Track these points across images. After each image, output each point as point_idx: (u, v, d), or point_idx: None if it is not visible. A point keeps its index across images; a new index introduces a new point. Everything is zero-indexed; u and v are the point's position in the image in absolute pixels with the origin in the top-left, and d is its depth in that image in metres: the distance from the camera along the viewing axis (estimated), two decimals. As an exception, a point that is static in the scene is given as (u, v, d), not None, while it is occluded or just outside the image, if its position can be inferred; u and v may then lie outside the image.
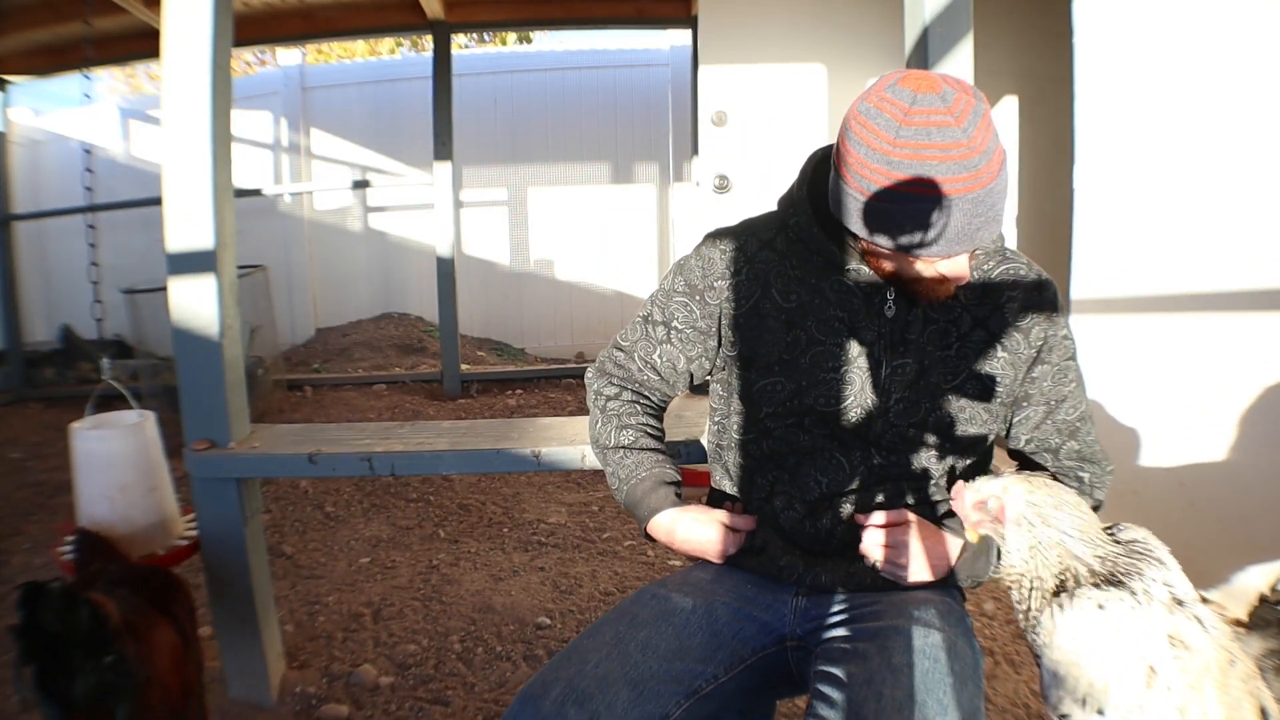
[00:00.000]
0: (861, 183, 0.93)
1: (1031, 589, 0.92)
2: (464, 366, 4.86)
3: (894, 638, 0.95)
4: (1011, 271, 1.07)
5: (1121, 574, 0.89)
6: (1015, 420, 1.11)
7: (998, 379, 1.06)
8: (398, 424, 1.80)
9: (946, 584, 1.09)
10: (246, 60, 8.20)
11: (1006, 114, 3.96)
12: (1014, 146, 3.98)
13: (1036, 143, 3.91)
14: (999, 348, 1.06)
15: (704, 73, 3.29)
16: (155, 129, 5.60)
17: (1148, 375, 2.21)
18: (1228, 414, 1.95)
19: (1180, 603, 0.88)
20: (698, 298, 1.14)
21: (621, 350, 1.23)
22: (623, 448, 1.18)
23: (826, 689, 0.90)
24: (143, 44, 4.27)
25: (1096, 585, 0.89)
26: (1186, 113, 2.09)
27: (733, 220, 1.19)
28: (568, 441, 1.60)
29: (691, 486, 3.08)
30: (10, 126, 4.94)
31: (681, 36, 5.24)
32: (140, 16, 3.84)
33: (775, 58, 3.30)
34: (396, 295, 5.86)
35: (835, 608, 1.06)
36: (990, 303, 1.06)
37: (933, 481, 1.10)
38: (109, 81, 9.50)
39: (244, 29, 4.32)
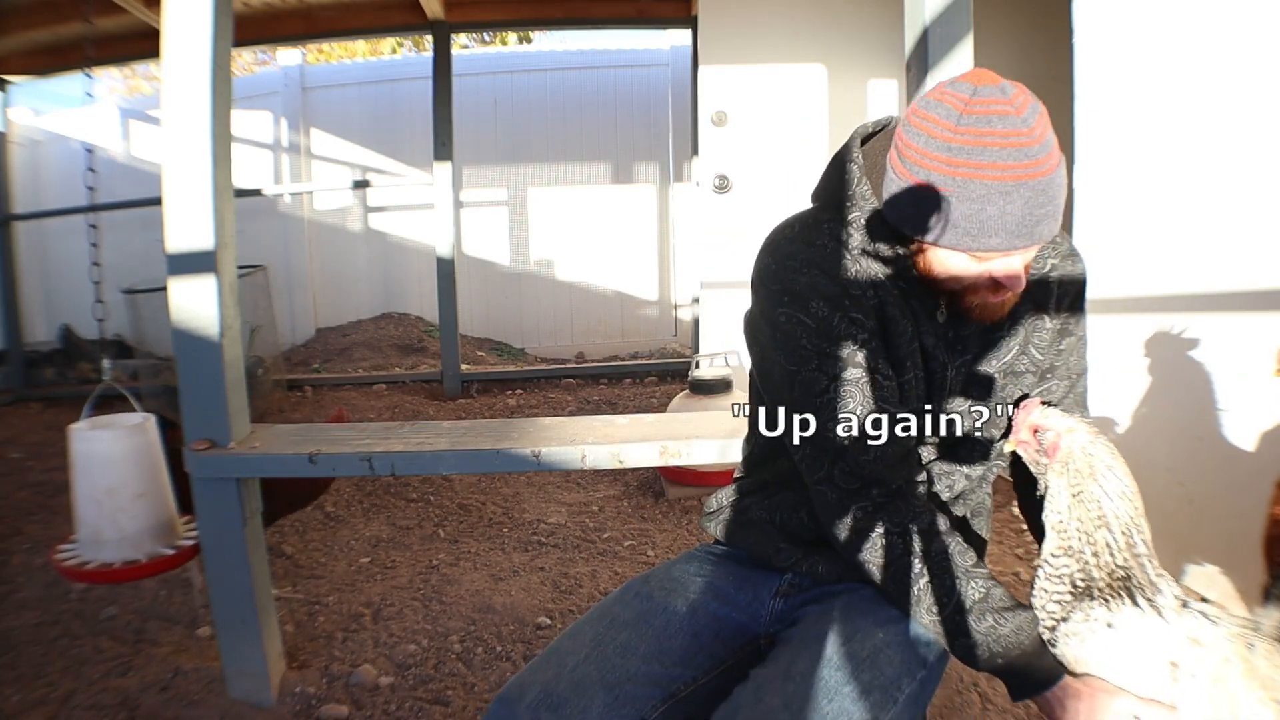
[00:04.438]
0: (920, 173, 0.89)
1: (1067, 556, 0.91)
2: (464, 366, 4.86)
3: (809, 644, 0.94)
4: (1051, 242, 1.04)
5: (1129, 572, 0.89)
6: (1037, 393, 1.06)
7: (1040, 352, 1.05)
8: (398, 424, 1.80)
9: None
10: (246, 60, 8.20)
11: (1006, 114, 3.96)
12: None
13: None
14: (1045, 319, 1.04)
15: (704, 73, 3.29)
16: (155, 129, 5.60)
17: (1148, 375, 2.21)
18: (1228, 414, 1.95)
19: (1185, 604, 0.88)
20: (844, 303, 0.96)
21: (836, 455, 0.95)
22: (992, 610, 0.93)
23: (736, 686, 0.93)
24: (143, 44, 4.28)
25: (1105, 598, 0.88)
26: (1187, 112, 2.09)
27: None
28: (567, 441, 1.60)
29: (692, 486, 3.09)
30: (10, 126, 4.94)
31: (681, 36, 5.25)
32: (140, 16, 3.84)
33: (775, 58, 3.30)
34: (396, 295, 5.86)
35: (799, 610, 1.06)
36: (1036, 272, 1.03)
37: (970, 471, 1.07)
38: (109, 81, 9.50)
39: (244, 29, 4.32)
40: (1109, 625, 0.87)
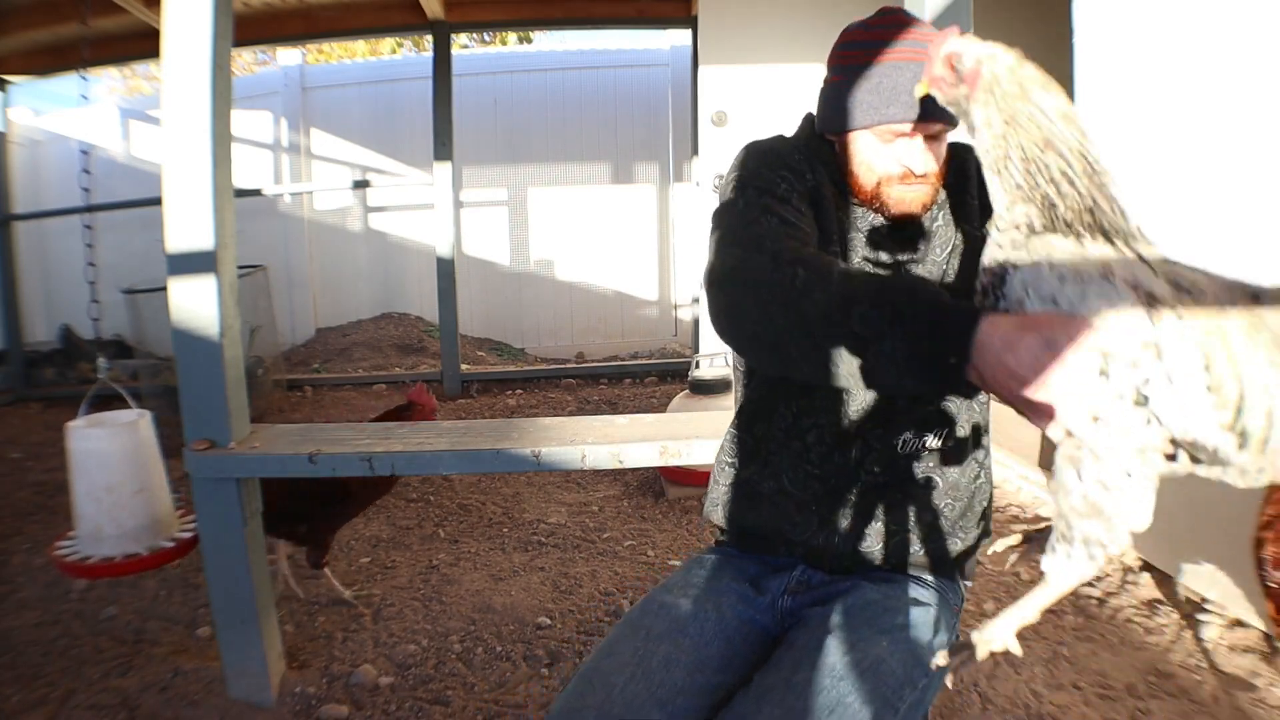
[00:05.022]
0: (837, 71, 1.05)
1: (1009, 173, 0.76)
2: (464, 366, 4.86)
3: (811, 651, 0.94)
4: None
5: (1096, 211, 0.74)
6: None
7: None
8: (397, 424, 1.80)
9: (944, 580, 1.09)
10: (246, 60, 8.20)
11: (1006, 114, 3.96)
12: (1014, 146, 3.97)
13: (1036, 143, 3.91)
14: (969, 197, 1.09)
15: (704, 73, 3.29)
16: (155, 129, 5.60)
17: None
18: (1228, 414, 1.95)
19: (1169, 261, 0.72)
20: (788, 170, 1.06)
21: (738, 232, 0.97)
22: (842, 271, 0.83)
23: (739, 692, 0.93)
24: (143, 44, 4.28)
25: (1068, 229, 0.73)
26: (1187, 112, 2.09)
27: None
28: (567, 441, 1.60)
29: (692, 486, 3.08)
30: (10, 126, 4.94)
31: (681, 36, 5.25)
32: (140, 16, 3.84)
33: (775, 58, 3.30)
34: (396, 295, 5.86)
35: (805, 610, 1.06)
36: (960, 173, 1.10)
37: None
38: (109, 81, 9.50)
39: (244, 29, 4.32)
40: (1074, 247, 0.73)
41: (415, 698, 1.74)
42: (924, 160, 1.04)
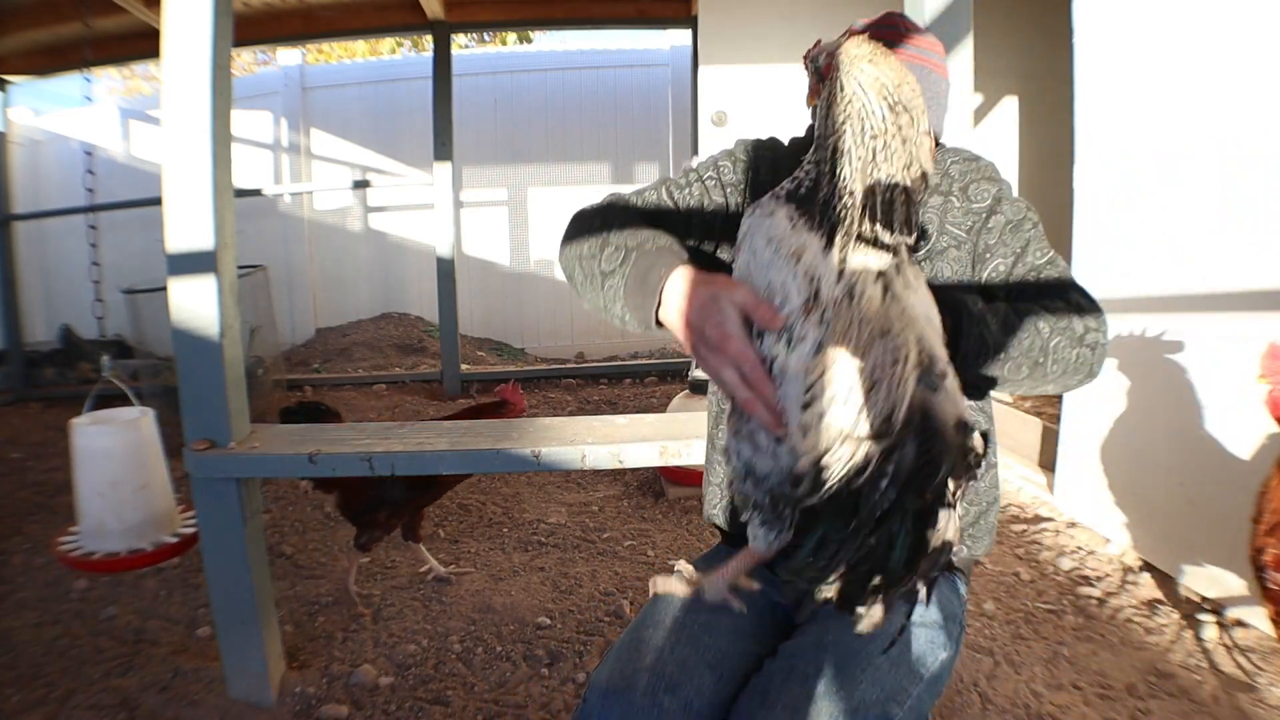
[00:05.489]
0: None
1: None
2: (464, 366, 4.86)
3: (836, 617, 0.94)
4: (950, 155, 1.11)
5: (845, 205, 0.78)
6: (986, 278, 1.05)
7: (959, 229, 1.07)
8: (398, 424, 1.80)
9: (951, 576, 1.11)
10: (246, 60, 8.20)
11: (1006, 114, 3.96)
12: (1014, 146, 3.98)
13: (1036, 143, 3.91)
14: (953, 200, 1.08)
15: (704, 73, 3.29)
16: (155, 129, 5.60)
17: (1148, 375, 2.21)
18: (1227, 414, 1.95)
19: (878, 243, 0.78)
20: (730, 161, 1.13)
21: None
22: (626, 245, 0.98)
23: (767, 661, 0.95)
24: (143, 44, 4.28)
25: (812, 205, 0.79)
26: (1187, 112, 2.09)
27: None
28: (567, 441, 1.60)
29: (692, 486, 3.08)
30: (10, 126, 4.94)
31: (681, 36, 5.25)
32: (140, 16, 3.84)
33: (775, 58, 3.30)
34: (396, 295, 5.86)
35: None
36: (936, 170, 1.10)
37: None
38: (109, 82, 9.50)
39: (244, 29, 4.32)
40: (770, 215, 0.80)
41: (415, 698, 1.74)
42: None
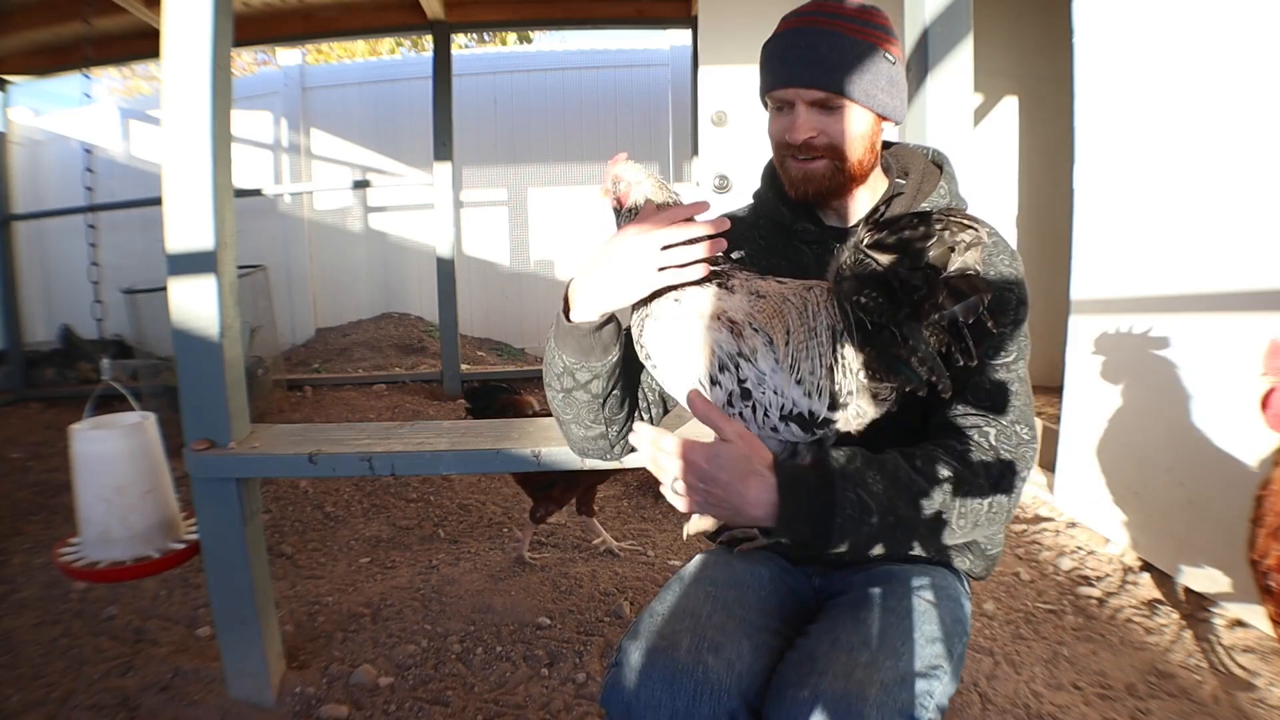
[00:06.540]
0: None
1: None
2: (464, 366, 4.86)
3: (870, 590, 1.01)
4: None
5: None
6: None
7: None
8: (398, 424, 1.80)
9: (947, 567, 1.12)
10: (246, 60, 8.19)
11: (1006, 114, 3.96)
12: (1014, 146, 3.98)
13: (1036, 143, 3.92)
14: None
15: (704, 73, 3.29)
16: (155, 129, 5.60)
17: (1148, 375, 2.21)
18: (1227, 414, 1.95)
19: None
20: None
21: None
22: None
23: (799, 641, 0.96)
24: (143, 44, 4.28)
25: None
26: (1187, 112, 2.09)
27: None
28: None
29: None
30: (10, 126, 4.94)
31: (681, 36, 5.25)
32: (140, 16, 3.84)
33: (775, 58, 3.29)
34: (396, 295, 5.86)
35: (843, 580, 1.10)
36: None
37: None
38: (108, 81, 9.50)
39: (244, 29, 4.32)
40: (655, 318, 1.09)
41: (415, 698, 1.74)
42: (799, 129, 1.00)
